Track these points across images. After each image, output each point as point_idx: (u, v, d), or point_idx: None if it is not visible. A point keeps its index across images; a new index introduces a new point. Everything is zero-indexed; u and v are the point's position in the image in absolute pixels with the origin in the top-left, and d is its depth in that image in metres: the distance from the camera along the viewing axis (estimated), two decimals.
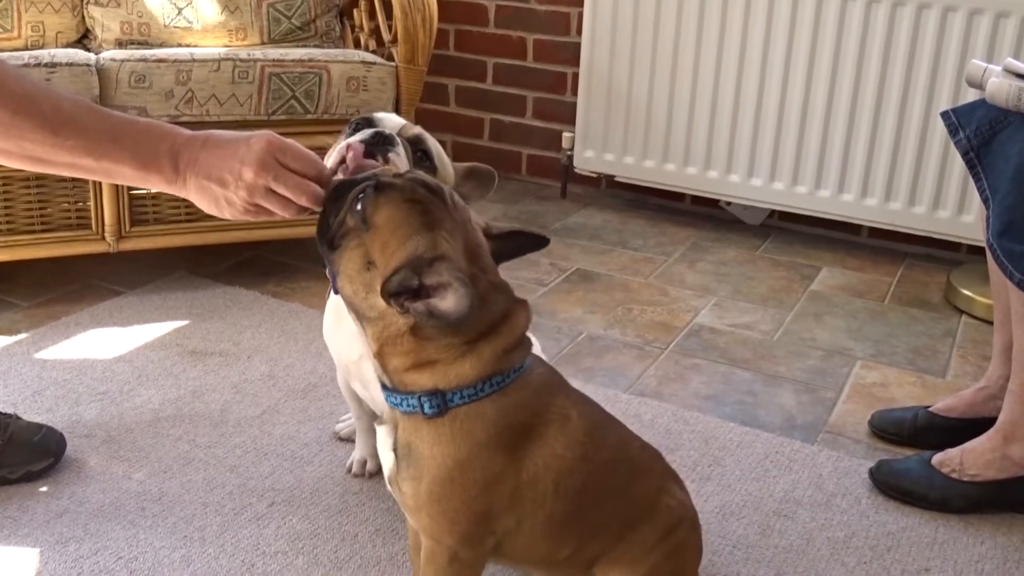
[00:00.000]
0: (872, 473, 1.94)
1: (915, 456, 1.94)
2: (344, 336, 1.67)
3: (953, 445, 1.92)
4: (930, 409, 2.10)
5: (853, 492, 1.92)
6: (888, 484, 1.91)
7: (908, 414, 2.11)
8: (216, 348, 2.37)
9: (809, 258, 3.17)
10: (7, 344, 2.35)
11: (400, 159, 1.53)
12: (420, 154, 1.60)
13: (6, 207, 2.45)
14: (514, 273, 2.90)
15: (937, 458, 1.90)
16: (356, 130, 1.59)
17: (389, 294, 1.17)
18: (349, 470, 1.89)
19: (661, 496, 1.40)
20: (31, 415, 1.98)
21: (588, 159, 3.49)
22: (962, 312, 2.78)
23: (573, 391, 1.37)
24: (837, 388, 2.33)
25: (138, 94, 2.44)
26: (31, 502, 1.78)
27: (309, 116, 2.63)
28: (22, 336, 2.39)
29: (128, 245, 2.56)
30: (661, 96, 3.30)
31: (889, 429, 2.11)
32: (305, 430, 2.02)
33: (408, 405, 1.25)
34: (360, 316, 1.25)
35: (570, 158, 3.55)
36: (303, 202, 1.30)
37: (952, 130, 1.88)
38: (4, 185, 2.42)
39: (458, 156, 3.91)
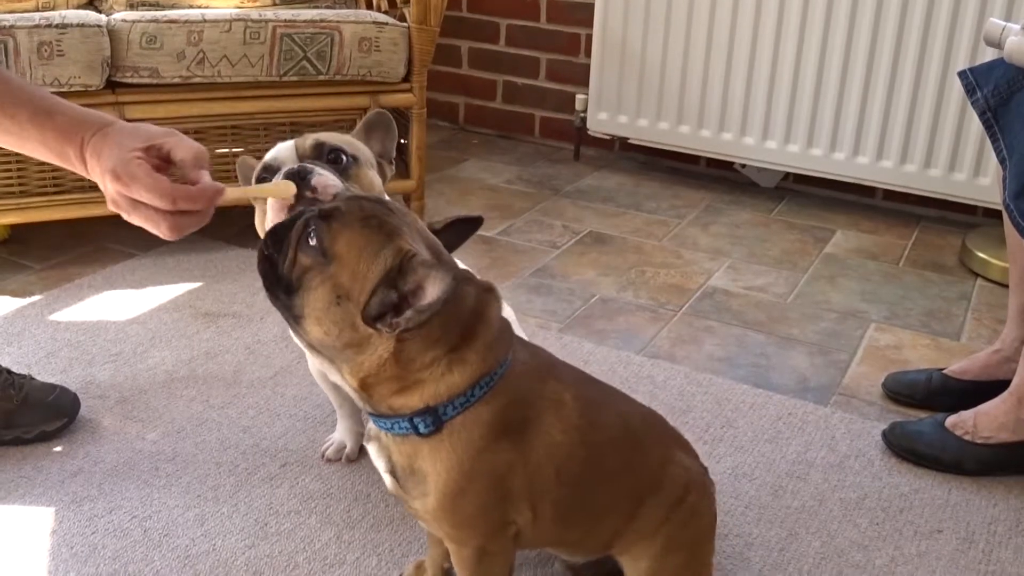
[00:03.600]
0: (885, 435, 1.94)
1: (928, 418, 1.94)
2: None
3: (967, 407, 1.91)
4: (944, 371, 2.09)
5: (866, 454, 1.91)
6: (901, 446, 1.90)
7: (922, 376, 2.11)
8: (229, 310, 2.38)
9: (824, 221, 3.15)
10: (21, 306, 2.35)
11: (325, 176, 1.45)
12: (332, 155, 1.53)
13: (19, 170, 2.45)
14: (527, 235, 2.89)
15: (951, 420, 1.90)
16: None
17: (372, 319, 1.13)
18: (323, 455, 1.84)
19: (666, 466, 1.38)
20: (45, 376, 1.99)
21: (602, 121, 3.47)
22: (977, 275, 2.76)
23: (564, 370, 1.33)
24: (851, 350, 2.32)
25: (149, 55, 2.43)
26: (46, 462, 1.80)
27: (321, 77, 2.62)
28: (36, 298, 2.40)
29: None
30: (675, 57, 3.27)
31: (903, 391, 2.10)
32: (317, 391, 2.03)
33: (400, 428, 1.20)
34: (333, 356, 1.19)
35: (583, 120, 3.53)
36: (163, 235, 1.23)
37: (969, 90, 1.86)
38: None
39: (470, 118, 3.93)
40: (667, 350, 2.29)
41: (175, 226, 1.23)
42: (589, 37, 3.48)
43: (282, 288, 1.17)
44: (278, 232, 1.19)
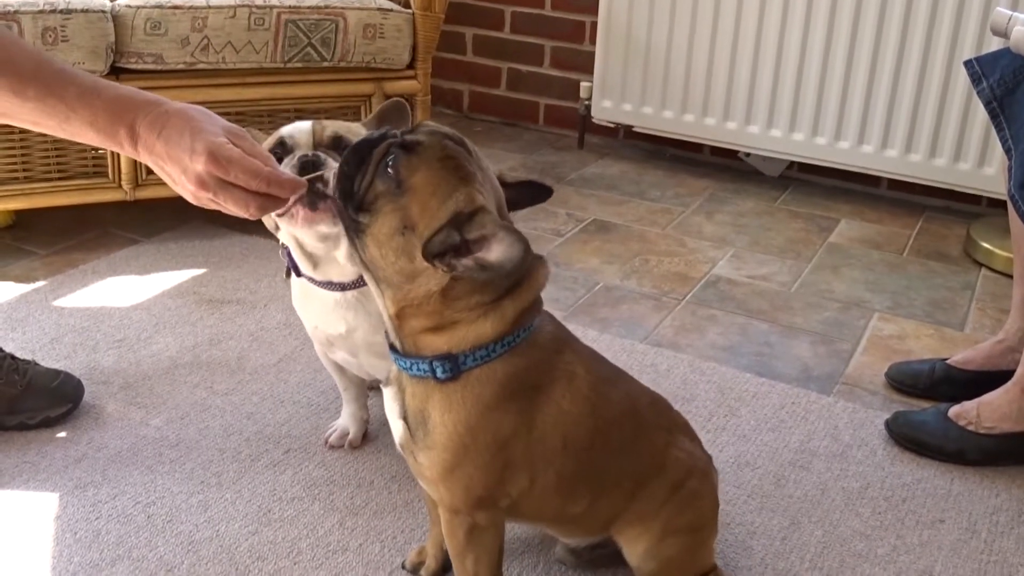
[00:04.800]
0: (888, 425, 1.94)
1: (931, 408, 1.94)
2: (317, 311, 1.63)
3: (970, 397, 1.91)
4: (947, 361, 2.09)
5: (869, 443, 1.91)
6: (904, 436, 1.90)
7: (925, 366, 2.11)
8: (233, 296, 2.38)
9: (828, 210, 3.15)
10: (25, 292, 2.36)
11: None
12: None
13: (23, 155, 2.45)
14: (531, 223, 2.89)
15: (954, 410, 1.90)
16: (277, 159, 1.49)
17: (432, 255, 1.15)
18: (326, 442, 1.84)
19: (669, 449, 1.39)
20: (49, 362, 1.99)
21: (606, 109, 3.46)
22: (981, 265, 2.76)
23: (580, 346, 1.35)
24: (854, 340, 2.32)
25: (154, 41, 2.43)
26: (50, 447, 1.80)
27: (325, 64, 2.61)
28: (40, 284, 2.40)
29: (145, 193, 2.56)
30: (680, 45, 3.26)
31: (906, 381, 2.10)
32: (321, 378, 2.03)
33: (419, 369, 1.22)
34: (380, 278, 1.21)
35: (588, 108, 3.52)
36: (249, 215, 1.27)
37: (975, 79, 1.85)
38: (21, 133, 2.42)
39: (475, 106, 3.92)
40: (670, 338, 2.29)
41: (262, 207, 1.27)
42: (594, 24, 3.47)
43: (353, 205, 1.19)
44: (360, 150, 1.21)
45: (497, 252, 1.13)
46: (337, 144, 1.52)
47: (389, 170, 1.17)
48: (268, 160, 1.29)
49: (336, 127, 1.56)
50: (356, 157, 1.21)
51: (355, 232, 1.20)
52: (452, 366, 1.20)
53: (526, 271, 1.22)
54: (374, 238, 1.18)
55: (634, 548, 1.40)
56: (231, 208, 1.27)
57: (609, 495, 1.36)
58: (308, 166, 1.45)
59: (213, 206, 1.28)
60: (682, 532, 1.40)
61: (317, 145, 1.52)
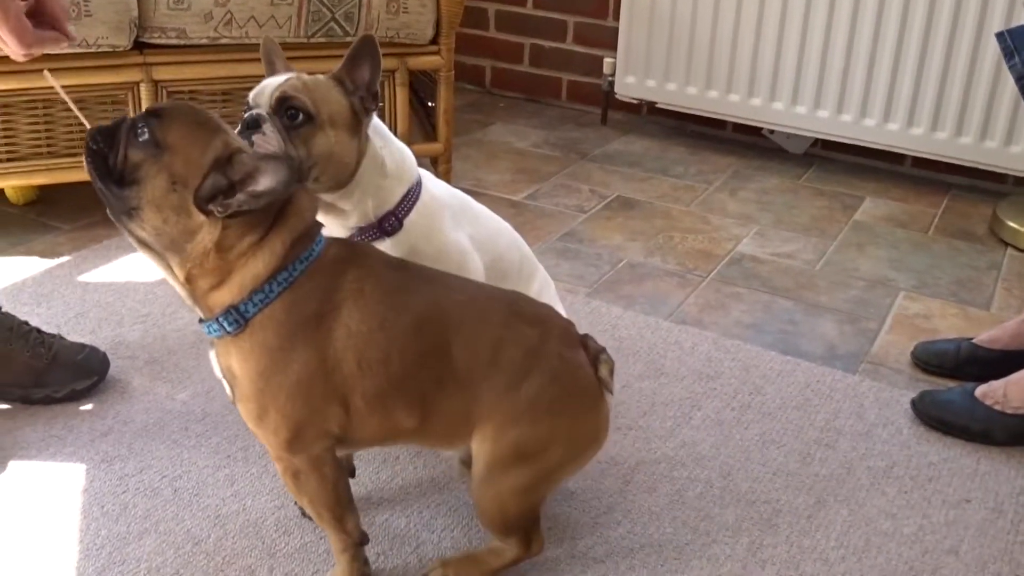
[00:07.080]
0: (914, 404, 1.93)
1: (958, 387, 1.93)
2: None
3: (996, 377, 1.90)
4: (973, 341, 2.08)
5: (894, 422, 1.91)
6: (930, 415, 1.89)
7: (951, 345, 2.10)
8: None
9: (852, 188, 3.12)
10: (50, 267, 2.36)
11: (267, 138, 1.44)
12: (291, 112, 1.47)
13: (47, 130, 2.45)
14: (554, 199, 2.88)
15: (980, 390, 1.88)
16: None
17: (205, 200, 1.20)
18: None
19: (502, 348, 1.32)
20: (75, 336, 2.00)
21: (629, 85, 3.44)
22: (1007, 244, 2.74)
23: (374, 261, 1.34)
24: (879, 319, 2.31)
25: (177, 16, 2.42)
26: (76, 421, 1.81)
27: (349, 39, 2.60)
28: (65, 259, 2.41)
29: None
30: (704, 21, 3.24)
31: (932, 360, 2.09)
32: None
33: (214, 330, 1.27)
34: (166, 246, 1.24)
35: (611, 84, 3.51)
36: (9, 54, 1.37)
37: (1007, 53, 1.83)
38: (44, 108, 2.42)
39: (497, 82, 3.90)
40: (695, 316, 2.29)
41: (26, 56, 1.37)
42: (617, 0, 3.45)
43: (114, 180, 1.23)
44: (104, 132, 1.25)
45: (265, 180, 1.20)
46: (280, 105, 1.49)
47: (144, 136, 1.21)
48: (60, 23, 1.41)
49: (288, 87, 1.50)
50: (104, 135, 1.24)
51: (125, 212, 1.23)
52: (237, 317, 1.25)
53: (287, 199, 1.26)
54: (151, 204, 1.21)
55: (479, 453, 1.34)
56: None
57: (438, 401, 1.32)
58: (244, 125, 1.46)
59: None
60: (530, 424, 1.32)
61: (269, 105, 1.52)
